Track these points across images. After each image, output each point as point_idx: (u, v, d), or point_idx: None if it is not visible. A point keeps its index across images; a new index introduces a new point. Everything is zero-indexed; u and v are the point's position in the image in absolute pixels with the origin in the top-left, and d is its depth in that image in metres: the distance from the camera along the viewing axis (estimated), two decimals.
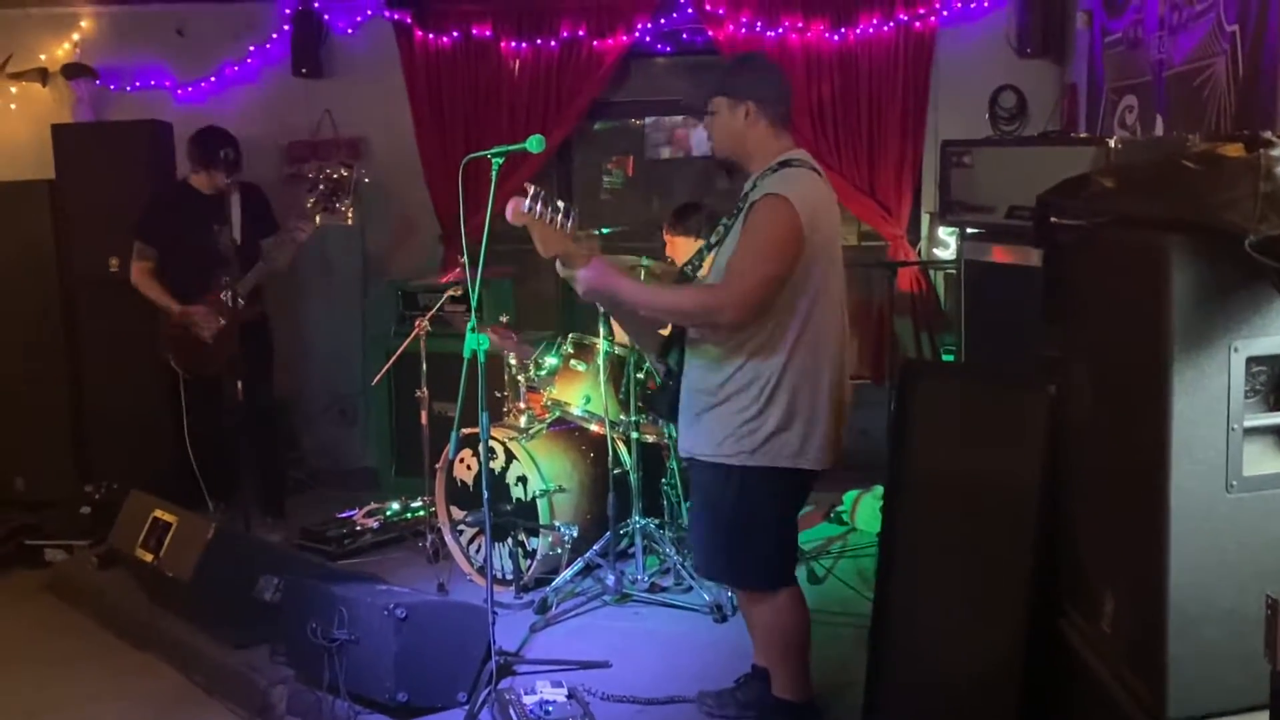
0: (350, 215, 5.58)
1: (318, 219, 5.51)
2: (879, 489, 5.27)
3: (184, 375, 5.49)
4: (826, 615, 4.48)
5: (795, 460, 3.28)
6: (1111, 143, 3.97)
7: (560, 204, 3.14)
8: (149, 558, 4.54)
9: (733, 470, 3.29)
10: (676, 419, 3.48)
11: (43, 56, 6.90)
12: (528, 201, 3.07)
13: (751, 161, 3.39)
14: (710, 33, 6.33)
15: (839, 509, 5.64)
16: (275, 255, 5.53)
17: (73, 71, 6.80)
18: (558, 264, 3.24)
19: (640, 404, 4.71)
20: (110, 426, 6.23)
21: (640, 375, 4.71)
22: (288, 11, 6.66)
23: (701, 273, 3.50)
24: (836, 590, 4.77)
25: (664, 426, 4.70)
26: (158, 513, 4.63)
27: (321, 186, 5.46)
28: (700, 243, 3.67)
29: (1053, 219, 2.78)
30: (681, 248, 4.89)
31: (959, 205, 4.66)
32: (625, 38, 6.42)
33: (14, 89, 6.89)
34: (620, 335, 4.69)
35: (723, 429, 3.29)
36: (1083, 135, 5.22)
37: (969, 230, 4.72)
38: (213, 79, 6.81)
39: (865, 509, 5.46)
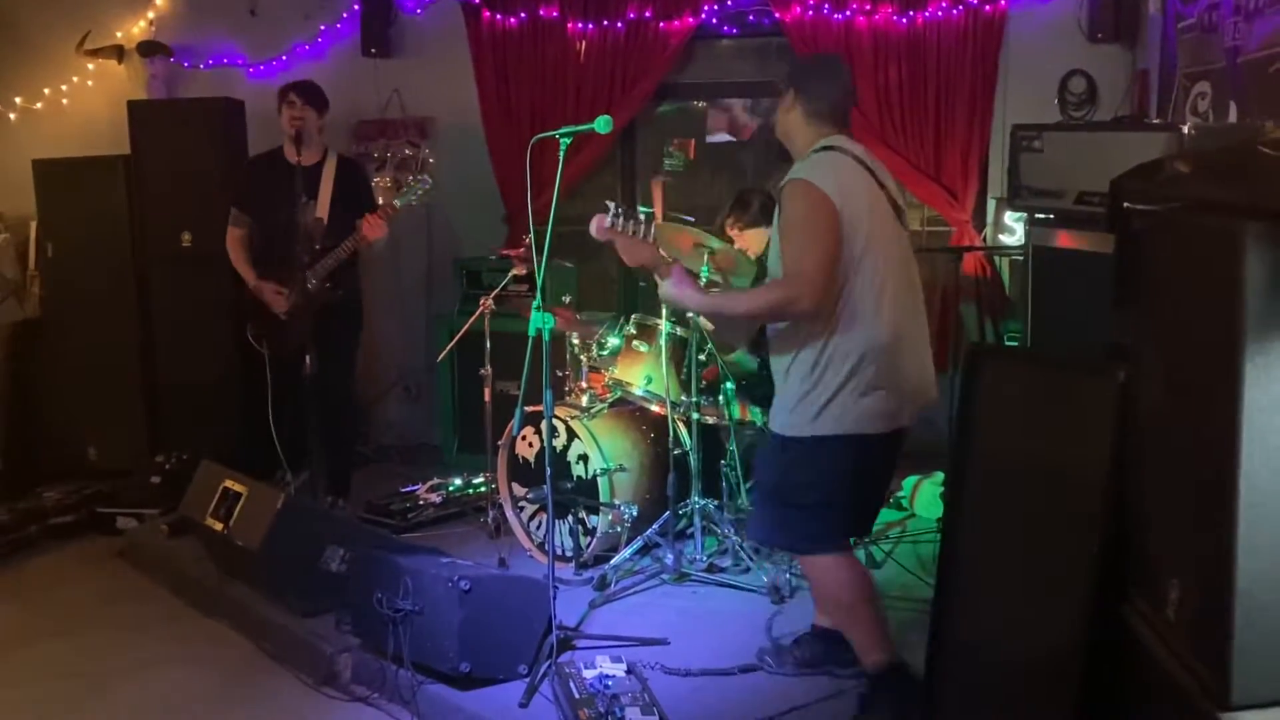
0: (426, 182, 5.46)
1: (396, 202, 5.38)
2: (939, 475, 5.26)
3: (265, 352, 5.37)
4: (885, 599, 4.48)
5: (844, 428, 3.38)
6: (1185, 129, 3.92)
7: (640, 216, 3.28)
8: (219, 527, 4.64)
9: (788, 440, 3.45)
10: (767, 405, 3.59)
11: (119, 34, 7.04)
12: (609, 218, 3.21)
13: (791, 147, 3.57)
14: (777, 15, 6.28)
15: (899, 495, 5.63)
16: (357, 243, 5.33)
17: (148, 49, 6.94)
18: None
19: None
20: (181, 398, 6.34)
21: (702, 357, 4.72)
22: None
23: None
24: (896, 574, 4.76)
25: (724, 408, 4.73)
26: (228, 483, 4.73)
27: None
28: (770, 231, 3.69)
29: (1126, 203, 2.76)
30: (752, 240, 4.86)
31: (1028, 190, 4.62)
32: (691, 20, 6.40)
33: (91, 66, 7.04)
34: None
35: (788, 404, 3.45)
36: (1155, 121, 5.15)
37: (1037, 215, 4.68)
38: (284, 58, 6.91)
39: (925, 495, 5.45)
